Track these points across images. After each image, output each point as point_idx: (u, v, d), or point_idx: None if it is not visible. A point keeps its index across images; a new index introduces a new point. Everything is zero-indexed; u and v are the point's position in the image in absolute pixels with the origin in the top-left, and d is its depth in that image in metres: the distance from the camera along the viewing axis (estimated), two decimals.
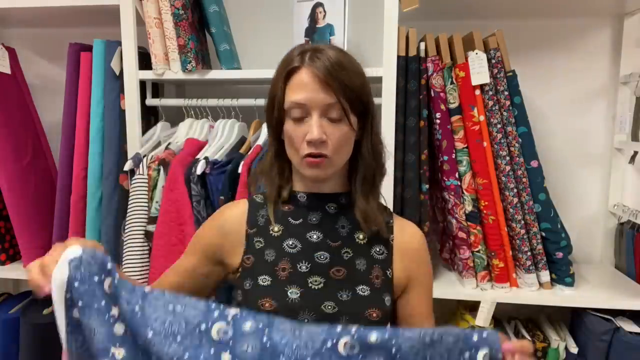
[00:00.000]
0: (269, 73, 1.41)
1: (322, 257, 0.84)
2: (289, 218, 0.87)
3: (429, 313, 0.90)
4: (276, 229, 0.86)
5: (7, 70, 1.51)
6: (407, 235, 0.90)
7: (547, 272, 1.34)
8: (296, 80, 0.81)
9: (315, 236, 0.85)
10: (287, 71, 0.82)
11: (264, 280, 0.82)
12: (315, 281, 0.82)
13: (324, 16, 1.35)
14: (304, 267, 0.83)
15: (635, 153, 1.50)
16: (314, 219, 0.87)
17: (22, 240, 1.49)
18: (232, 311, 0.70)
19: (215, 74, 1.38)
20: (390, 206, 1.30)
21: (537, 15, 1.54)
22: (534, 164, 1.31)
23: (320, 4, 1.35)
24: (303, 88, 0.79)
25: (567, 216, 1.46)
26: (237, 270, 0.86)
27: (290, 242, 0.85)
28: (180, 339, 0.68)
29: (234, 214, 0.90)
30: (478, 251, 1.34)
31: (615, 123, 1.54)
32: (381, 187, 0.91)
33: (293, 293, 0.81)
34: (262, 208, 0.89)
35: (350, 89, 0.79)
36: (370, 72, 1.32)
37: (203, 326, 0.68)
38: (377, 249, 0.87)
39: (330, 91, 0.78)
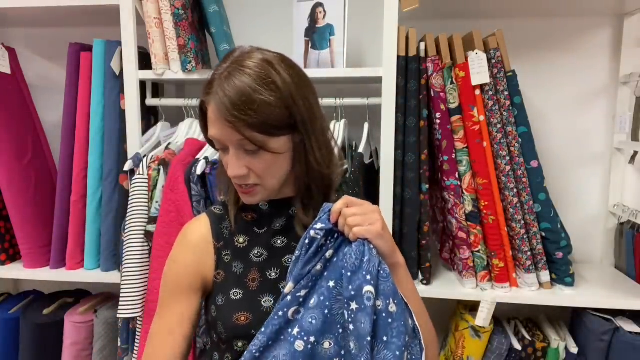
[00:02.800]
0: None
1: (289, 260, 0.83)
2: (254, 228, 0.86)
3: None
4: (241, 240, 0.86)
5: (7, 70, 1.51)
6: None
7: (547, 272, 1.34)
8: (209, 113, 0.78)
9: (279, 241, 0.85)
10: (201, 100, 0.81)
11: (236, 294, 0.81)
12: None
13: (324, 16, 1.35)
14: (273, 274, 0.82)
15: (635, 153, 1.50)
16: (278, 225, 0.86)
17: (22, 240, 1.49)
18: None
19: None
20: (390, 206, 1.30)
21: (537, 15, 1.54)
22: (534, 164, 1.31)
23: (320, 4, 1.35)
24: (214, 124, 0.77)
25: (567, 216, 1.46)
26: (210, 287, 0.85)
27: (256, 251, 0.84)
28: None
29: (200, 231, 0.87)
30: (478, 251, 1.34)
31: (615, 123, 1.54)
32: (336, 184, 0.89)
33: (267, 302, 0.80)
34: (224, 220, 0.88)
35: (259, 123, 0.74)
36: (370, 72, 1.33)
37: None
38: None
39: (235, 131, 0.74)
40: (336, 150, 0.90)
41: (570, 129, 1.58)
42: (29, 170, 1.51)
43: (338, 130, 1.34)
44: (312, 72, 1.35)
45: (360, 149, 1.29)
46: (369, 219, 0.75)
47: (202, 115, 0.83)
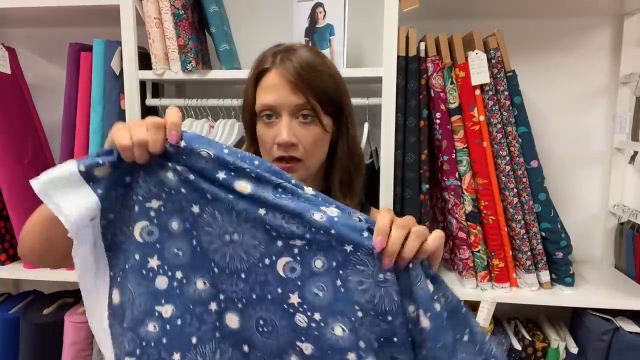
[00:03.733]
0: None
1: None
2: None
3: None
4: None
5: (7, 70, 1.51)
6: None
7: (547, 272, 1.34)
8: (266, 82, 0.81)
9: None
10: (257, 73, 0.83)
11: None
12: None
13: (324, 16, 1.35)
14: None
15: (635, 153, 1.50)
16: None
17: None
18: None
19: (215, 74, 1.38)
20: (390, 206, 1.30)
21: (537, 15, 1.54)
22: (534, 164, 1.31)
23: (320, 4, 1.35)
24: (272, 90, 0.80)
25: (567, 216, 1.46)
26: None
27: None
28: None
29: None
30: (478, 251, 1.34)
31: (615, 123, 1.54)
32: (360, 186, 0.91)
33: None
34: None
35: (320, 90, 0.79)
36: (370, 72, 1.33)
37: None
38: None
39: (299, 92, 0.78)
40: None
41: (570, 129, 1.58)
42: (29, 170, 1.51)
43: None
44: None
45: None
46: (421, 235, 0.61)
47: (253, 87, 0.83)
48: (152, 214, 0.65)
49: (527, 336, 1.36)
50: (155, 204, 0.65)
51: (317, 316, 0.61)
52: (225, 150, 0.61)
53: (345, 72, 1.33)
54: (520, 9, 1.51)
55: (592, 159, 1.58)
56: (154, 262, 0.66)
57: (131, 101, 1.37)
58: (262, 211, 0.60)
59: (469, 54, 1.30)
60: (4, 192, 1.46)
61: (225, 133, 1.39)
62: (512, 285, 1.35)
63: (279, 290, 0.62)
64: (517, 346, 1.34)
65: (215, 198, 0.61)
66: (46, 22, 1.67)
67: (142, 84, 1.42)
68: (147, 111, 1.46)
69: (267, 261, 0.62)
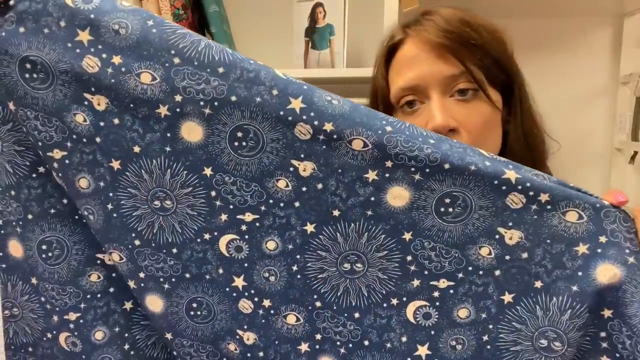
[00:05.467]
0: None
1: None
2: None
3: None
4: None
5: None
6: None
7: None
8: (400, 58, 0.60)
9: None
10: (387, 51, 0.62)
11: None
12: None
13: (324, 16, 1.35)
14: None
15: (635, 153, 1.49)
16: None
17: None
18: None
19: None
20: None
21: (537, 15, 1.54)
22: None
23: (320, 4, 1.35)
24: (412, 64, 0.58)
25: None
26: None
27: None
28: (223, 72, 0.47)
29: None
30: None
31: (615, 123, 1.54)
32: None
33: None
34: None
35: (481, 50, 0.57)
36: (370, 72, 1.32)
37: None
38: None
39: (450, 58, 0.55)
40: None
41: (570, 129, 1.57)
42: None
43: None
44: (312, 72, 1.36)
45: None
46: None
47: (384, 70, 0.62)
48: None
49: None
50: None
51: None
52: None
53: (346, 72, 1.33)
54: (521, 9, 1.51)
55: (592, 159, 1.58)
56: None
57: None
58: (407, 236, 0.47)
59: None
60: None
61: None
62: None
63: (404, 339, 0.49)
64: None
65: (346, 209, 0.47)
66: None
67: None
68: None
69: (394, 301, 0.48)
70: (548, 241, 0.45)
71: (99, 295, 0.53)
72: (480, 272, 0.46)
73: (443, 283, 0.47)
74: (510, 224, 0.46)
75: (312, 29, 1.37)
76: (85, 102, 0.45)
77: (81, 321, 0.54)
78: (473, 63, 0.56)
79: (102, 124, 0.46)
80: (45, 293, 0.53)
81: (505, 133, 0.62)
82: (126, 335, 0.55)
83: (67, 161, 0.48)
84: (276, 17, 1.60)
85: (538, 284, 0.46)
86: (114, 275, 0.54)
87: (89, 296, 0.53)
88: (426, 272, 0.47)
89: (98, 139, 0.47)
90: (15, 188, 0.50)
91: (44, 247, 0.52)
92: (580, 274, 0.45)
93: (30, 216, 0.51)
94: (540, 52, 1.56)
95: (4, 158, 0.50)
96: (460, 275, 0.47)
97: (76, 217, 0.52)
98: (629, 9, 1.47)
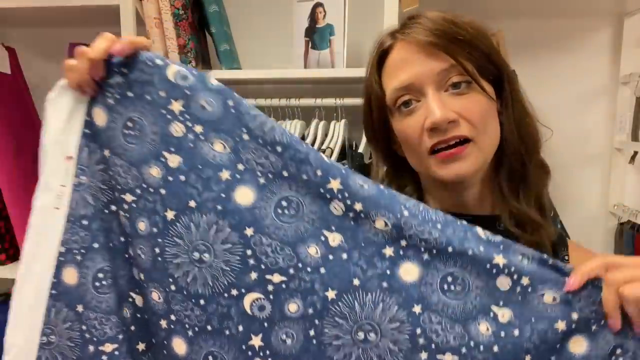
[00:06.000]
0: (269, 73, 1.43)
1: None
2: None
3: None
4: None
5: (7, 70, 1.50)
6: None
7: None
8: (392, 62, 0.62)
9: None
10: (378, 57, 0.64)
11: None
12: None
13: (324, 16, 1.35)
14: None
15: (635, 153, 1.49)
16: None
17: (23, 240, 1.48)
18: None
19: (215, 74, 1.38)
20: None
21: (537, 15, 1.54)
22: None
23: (320, 4, 1.35)
24: (404, 65, 0.60)
25: (567, 216, 1.46)
26: None
27: None
28: (281, 150, 0.55)
29: None
30: None
31: (615, 123, 1.54)
32: (544, 190, 0.66)
33: None
34: None
35: (470, 45, 0.59)
36: None
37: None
38: None
39: (442, 54, 0.57)
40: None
41: (570, 129, 1.58)
42: (29, 170, 1.51)
43: (338, 130, 1.34)
44: (312, 72, 1.36)
45: (360, 149, 1.29)
46: None
47: (377, 75, 0.64)
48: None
49: None
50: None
51: None
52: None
53: (346, 72, 1.33)
54: (520, 9, 1.51)
55: (592, 159, 1.58)
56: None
57: None
58: (417, 309, 0.51)
59: None
60: (4, 192, 1.46)
61: None
62: None
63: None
64: None
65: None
66: (46, 22, 1.67)
67: None
68: None
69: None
70: (533, 320, 0.51)
71: (125, 329, 0.58)
72: (481, 348, 0.50)
73: (448, 357, 0.50)
74: (502, 303, 0.52)
75: (312, 29, 1.37)
76: (162, 159, 0.54)
77: (116, 353, 0.58)
78: (463, 57, 0.58)
79: (170, 178, 0.54)
80: (87, 322, 0.57)
81: (500, 125, 0.63)
82: None
83: (134, 205, 0.55)
84: (276, 17, 1.61)
85: (528, 358, 0.51)
86: (138, 315, 0.59)
87: (125, 328, 0.58)
88: (433, 346, 0.50)
89: (163, 191, 0.54)
90: (89, 218, 0.57)
91: (100, 275, 0.57)
92: (558, 346, 0.51)
93: (96, 245, 0.57)
94: (540, 52, 1.56)
95: (89, 191, 0.58)
96: (463, 350, 0.50)
97: (126, 255, 0.58)
98: (629, 9, 1.47)
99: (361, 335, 0.51)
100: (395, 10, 1.25)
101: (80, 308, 0.57)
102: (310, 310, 0.51)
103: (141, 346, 0.59)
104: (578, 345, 0.51)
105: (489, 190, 0.67)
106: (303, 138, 1.36)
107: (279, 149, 0.53)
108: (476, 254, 0.51)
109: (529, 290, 0.51)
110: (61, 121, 0.57)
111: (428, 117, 0.58)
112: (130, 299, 0.59)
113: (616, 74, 1.53)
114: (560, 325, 0.50)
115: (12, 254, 1.56)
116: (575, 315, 0.50)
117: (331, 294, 0.51)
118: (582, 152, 1.58)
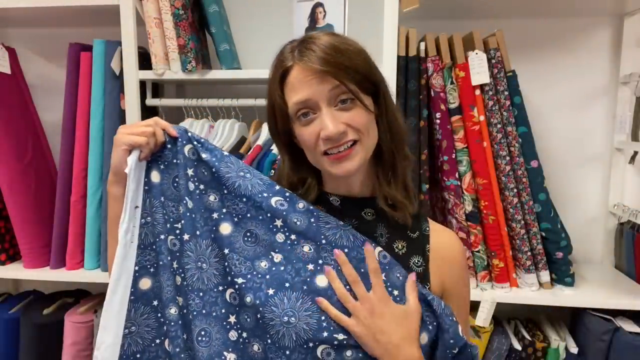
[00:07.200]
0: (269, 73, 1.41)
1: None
2: None
3: (465, 324, 0.84)
4: None
5: (7, 70, 1.51)
6: (444, 245, 0.84)
7: (547, 272, 1.34)
8: (292, 80, 0.75)
9: None
10: (280, 74, 0.77)
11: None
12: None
13: (324, 16, 1.35)
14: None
15: (635, 153, 1.50)
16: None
17: (22, 240, 1.48)
18: (289, 192, 0.81)
19: (215, 74, 1.38)
20: None
21: (537, 15, 1.54)
22: (534, 164, 1.31)
23: (320, 4, 1.35)
24: (301, 85, 0.74)
25: (567, 216, 1.46)
26: None
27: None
28: (245, 200, 0.80)
29: None
30: (478, 251, 1.34)
31: (615, 123, 1.54)
32: (408, 176, 0.83)
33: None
34: None
35: (352, 70, 0.73)
36: None
37: (265, 194, 0.80)
38: (415, 261, 0.81)
39: (331, 78, 0.72)
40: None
41: (570, 129, 1.58)
42: (29, 170, 1.51)
43: None
44: None
45: None
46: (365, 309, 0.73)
47: (280, 89, 0.78)
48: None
49: (527, 336, 1.36)
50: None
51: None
52: None
53: None
54: (520, 9, 1.51)
55: (592, 159, 1.58)
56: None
57: (131, 101, 1.37)
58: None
59: (469, 54, 1.30)
60: (4, 192, 1.46)
61: (225, 133, 1.39)
62: (512, 285, 1.35)
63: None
64: (517, 346, 1.34)
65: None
66: (46, 22, 1.67)
67: (142, 84, 1.42)
68: (147, 111, 1.46)
69: None
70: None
71: (173, 324, 0.81)
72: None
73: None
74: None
75: (312, 29, 1.36)
76: (183, 202, 0.81)
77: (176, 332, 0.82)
78: (347, 79, 0.73)
79: (187, 214, 0.81)
80: (161, 310, 0.83)
81: (377, 126, 0.79)
82: (182, 355, 0.81)
83: (171, 230, 0.82)
84: (276, 17, 1.61)
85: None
86: (181, 313, 0.81)
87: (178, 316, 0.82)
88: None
89: (182, 222, 0.81)
90: (151, 245, 0.83)
91: (162, 280, 0.82)
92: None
93: (161, 262, 0.82)
94: (540, 52, 1.56)
95: (149, 228, 0.83)
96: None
97: (171, 269, 0.82)
98: (629, 9, 1.47)
99: (285, 319, 0.73)
100: (395, 10, 1.26)
101: (155, 302, 0.83)
102: (257, 301, 0.74)
103: (183, 336, 0.81)
104: (422, 338, 0.75)
105: (369, 177, 0.83)
106: None
107: (244, 199, 0.80)
108: (415, 300, 0.76)
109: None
110: (133, 183, 0.81)
111: (323, 129, 0.74)
112: (176, 301, 0.81)
113: (616, 74, 1.53)
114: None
115: (12, 254, 1.56)
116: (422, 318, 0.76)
117: (271, 291, 0.75)
118: (582, 152, 1.58)
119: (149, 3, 1.33)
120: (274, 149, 1.31)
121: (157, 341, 0.83)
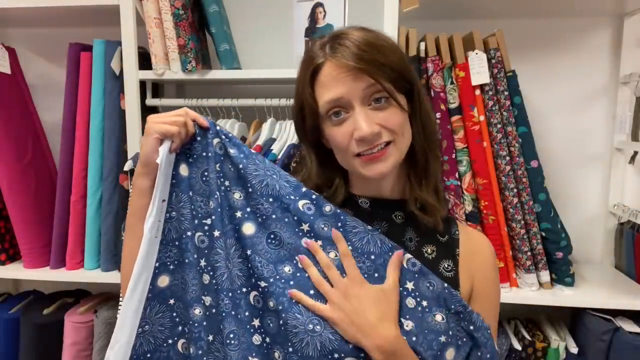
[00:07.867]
0: (269, 73, 1.43)
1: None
2: None
3: (493, 329, 0.80)
4: None
5: (7, 70, 1.51)
6: (474, 249, 0.81)
7: (547, 272, 1.34)
8: (323, 78, 0.72)
9: None
10: (311, 71, 0.73)
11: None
12: None
13: (324, 16, 1.35)
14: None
15: (635, 153, 1.50)
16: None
17: (22, 240, 1.48)
18: (316, 194, 0.78)
19: (215, 74, 1.38)
20: None
21: (537, 15, 1.54)
22: (534, 164, 1.31)
23: (320, 4, 1.35)
24: (334, 83, 0.70)
25: (567, 216, 1.46)
26: None
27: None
28: (272, 201, 0.77)
29: None
30: None
31: (615, 123, 1.54)
32: (439, 178, 0.80)
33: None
34: None
35: (388, 67, 0.69)
36: None
37: (292, 197, 0.77)
38: (445, 265, 0.79)
39: (365, 75, 0.68)
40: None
41: (570, 129, 1.58)
42: (29, 170, 1.51)
43: None
44: None
45: None
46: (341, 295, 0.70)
47: (310, 88, 0.74)
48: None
49: (527, 336, 1.36)
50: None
51: None
52: None
53: None
54: (520, 9, 1.51)
55: (592, 159, 1.58)
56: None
57: (131, 101, 1.37)
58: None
59: (469, 54, 1.30)
60: (4, 192, 1.46)
61: None
62: (512, 285, 1.35)
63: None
64: (517, 346, 1.34)
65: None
66: (46, 22, 1.67)
67: (142, 84, 1.42)
68: (147, 111, 1.46)
69: None
70: (426, 331, 0.72)
71: (196, 325, 0.78)
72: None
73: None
74: (408, 316, 0.72)
75: (312, 29, 1.36)
76: (214, 196, 0.78)
77: (199, 333, 0.78)
78: (382, 78, 0.69)
79: (217, 209, 0.77)
80: (178, 310, 0.80)
81: (418, 124, 0.76)
82: (204, 359, 0.78)
83: (200, 226, 0.79)
84: (276, 17, 1.61)
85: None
86: (207, 313, 0.78)
87: (202, 316, 0.79)
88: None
89: (213, 217, 0.78)
90: (176, 241, 0.80)
91: (186, 278, 0.80)
92: (439, 353, 0.72)
93: (187, 260, 0.79)
94: (540, 52, 1.56)
95: (175, 223, 0.80)
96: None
97: (198, 268, 0.79)
98: (629, 9, 1.47)
99: (310, 327, 0.70)
100: (395, 10, 1.26)
101: (171, 301, 0.80)
102: (280, 307, 0.71)
103: (210, 337, 0.78)
104: (449, 354, 0.72)
105: (400, 180, 0.80)
106: None
107: (270, 200, 0.77)
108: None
109: (427, 310, 0.73)
110: (162, 175, 0.77)
111: (356, 129, 0.70)
112: (202, 301, 0.78)
113: (616, 74, 1.53)
114: (442, 338, 0.72)
115: (12, 254, 1.56)
116: (450, 332, 0.73)
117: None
118: (582, 152, 1.58)
119: (149, 3, 1.33)
120: (274, 148, 1.31)
121: (170, 341, 0.80)
